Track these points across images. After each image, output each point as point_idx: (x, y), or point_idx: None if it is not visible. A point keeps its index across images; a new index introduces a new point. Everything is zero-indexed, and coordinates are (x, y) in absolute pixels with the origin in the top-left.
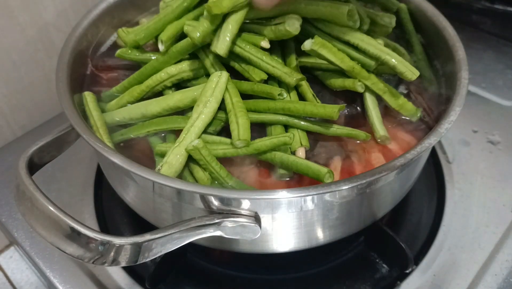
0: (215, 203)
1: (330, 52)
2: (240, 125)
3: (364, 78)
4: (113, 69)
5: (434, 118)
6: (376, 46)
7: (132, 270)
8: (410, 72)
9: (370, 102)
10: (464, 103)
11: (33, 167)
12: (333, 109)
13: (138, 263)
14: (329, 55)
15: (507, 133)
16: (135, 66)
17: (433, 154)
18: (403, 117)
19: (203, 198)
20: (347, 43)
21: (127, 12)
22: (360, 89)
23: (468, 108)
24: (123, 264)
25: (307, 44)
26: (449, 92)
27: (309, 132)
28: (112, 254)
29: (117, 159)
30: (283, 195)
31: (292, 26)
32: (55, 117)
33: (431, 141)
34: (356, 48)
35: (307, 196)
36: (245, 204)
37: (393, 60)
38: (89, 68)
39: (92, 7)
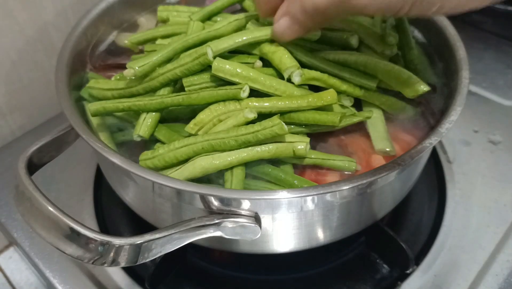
0: (215, 203)
1: (319, 82)
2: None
3: (359, 96)
4: (112, 69)
5: (434, 118)
6: (385, 64)
7: (132, 271)
8: (421, 86)
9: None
10: (465, 103)
11: (32, 167)
12: (335, 117)
13: (137, 263)
14: (319, 83)
15: (508, 133)
16: None
17: (434, 154)
18: (403, 117)
19: (203, 198)
20: (352, 66)
21: (126, 12)
22: (348, 103)
23: (469, 108)
24: (123, 264)
25: (296, 79)
26: (450, 92)
27: (308, 135)
28: (111, 254)
29: (117, 159)
30: (283, 195)
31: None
32: (55, 117)
33: (431, 141)
34: (360, 70)
35: (308, 196)
36: (245, 204)
37: (404, 74)
38: (88, 68)
39: (91, 7)
